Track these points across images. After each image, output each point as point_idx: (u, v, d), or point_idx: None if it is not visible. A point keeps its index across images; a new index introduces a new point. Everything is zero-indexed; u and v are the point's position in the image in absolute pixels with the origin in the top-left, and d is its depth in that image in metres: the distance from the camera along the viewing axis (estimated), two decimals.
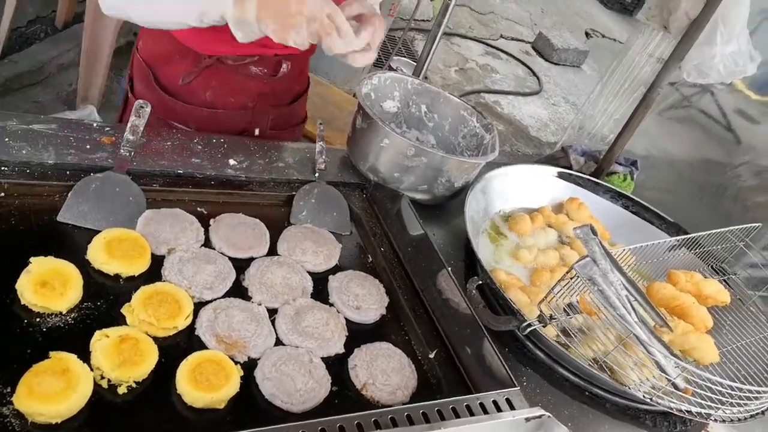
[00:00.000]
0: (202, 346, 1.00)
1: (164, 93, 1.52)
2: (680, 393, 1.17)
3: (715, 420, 1.18)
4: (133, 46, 1.61)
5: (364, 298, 1.21)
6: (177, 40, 1.44)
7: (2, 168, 1.10)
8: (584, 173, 1.90)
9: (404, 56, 5.02)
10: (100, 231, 1.08)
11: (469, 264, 1.46)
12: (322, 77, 3.36)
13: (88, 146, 1.21)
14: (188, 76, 1.50)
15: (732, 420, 1.19)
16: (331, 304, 1.19)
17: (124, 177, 1.18)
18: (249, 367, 1.00)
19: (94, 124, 1.28)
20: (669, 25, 1.81)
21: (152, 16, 1.29)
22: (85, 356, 0.89)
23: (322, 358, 1.07)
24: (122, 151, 1.20)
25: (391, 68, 4.41)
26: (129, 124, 1.22)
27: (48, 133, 1.20)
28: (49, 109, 3.12)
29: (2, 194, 1.08)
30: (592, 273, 1.15)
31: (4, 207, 1.07)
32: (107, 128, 1.28)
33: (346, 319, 1.17)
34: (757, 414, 1.24)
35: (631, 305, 1.22)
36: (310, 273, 1.24)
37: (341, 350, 1.10)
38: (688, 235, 1.60)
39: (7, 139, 1.14)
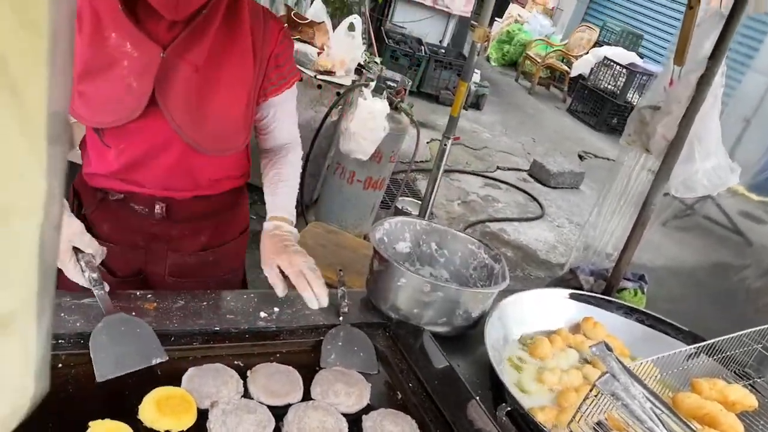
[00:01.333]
0: None
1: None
2: None
3: None
4: None
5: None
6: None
7: (60, 341, 1.21)
8: (595, 292, 1.99)
9: (408, 196, 5.30)
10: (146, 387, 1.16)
11: (496, 392, 1.51)
12: (333, 224, 3.57)
13: (132, 314, 1.32)
14: (89, 207, 1.56)
15: None
16: None
17: (119, 314, 1.28)
18: None
19: (138, 293, 1.40)
20: (650, 147, 1.98)
21: None
22: None
23: None
24: (97, 292, 1.28)
25: (397, 209, 4.65)
26: (86, 276, 1.30)
27: (98, 306, 1.31)
28: None
29: (60, 365, 1.18)
30: (613, 388, 1.20)
31: (61, 377, 1.16)
32: (149, 295, 1.41)
33: None
34: None
35: (659, 418, 1.25)
36: (343, 414, 1.29)
37: None
38: (704, 343, 1.65)
39: (62, 314, 1.26)
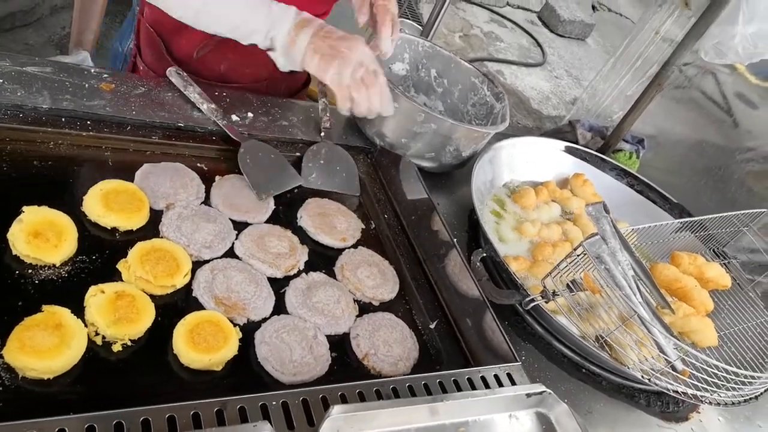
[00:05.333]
0: (199, 307, 0.97)
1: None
2: (678, 375, 1.16)
3: (710, 403, 1.17)
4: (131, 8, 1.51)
5: (376, 289, 1.17)
6: None
7: None
8: (590, 148, 1.87)
9: (409, 18, 4.90)
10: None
11: (473, 236, 1.44)
12: None
13: (85, 92, 1.16)
14: (203, 50, 1.44)
15: (726, 404, 1.19)
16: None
17: (252, 141, 1.26)
18: (248, 330, 0.97)
19: (92, 70, 1.22)
20: (689, 1, 1.75)
21: (197, 17, 1.20)
22: (78, 311, 0.85)
23: (327, 336, 1.04)
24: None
25: None
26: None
27: (43, 76, 1.14)
28: (41, 53, 3.01)
29: None
30: (600, 251, 1.13)
31: None
32: (105, 75, 1.22)
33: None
34: (750, 399, 1.24)
35: (637, 285, 1.20)
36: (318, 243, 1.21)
37: (348, 330, 1.07)
38: (694, 218, 1.58)
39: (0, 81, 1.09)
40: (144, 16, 1.48)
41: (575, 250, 1.17)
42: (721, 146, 2.56)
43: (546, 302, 1.20)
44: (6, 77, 1.10)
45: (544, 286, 1.22)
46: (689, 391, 1.15)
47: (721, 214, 1.61)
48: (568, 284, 1.22)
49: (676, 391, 1.14)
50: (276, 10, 1.16)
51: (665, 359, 1.16)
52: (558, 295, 1.19)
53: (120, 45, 1.57)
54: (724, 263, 1.65)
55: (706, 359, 1.09)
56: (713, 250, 1.69)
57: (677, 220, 1.60)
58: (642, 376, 1.14)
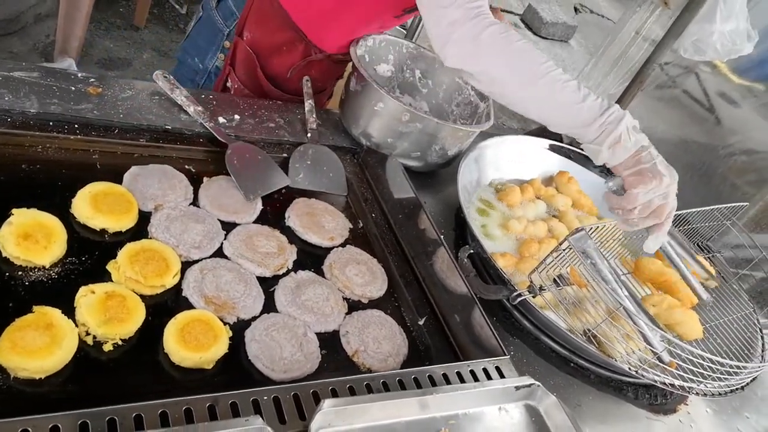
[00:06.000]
0: (189, 307, 0.97)
1: (268, 82, 1.56)
2: (665, 366, 1.18)
3: (697, 393, 1.19)
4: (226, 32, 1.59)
5: (365, 287, 1.18)
6: (290, 33, 1.49)
7: None
8: (575, 147, 1.89)
9: None
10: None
11: (460, 234, 1.45)
12: None
13: (72, 96, 1.16)
14: (295, 69, 1.54)
15: (713, 394, 1.21)
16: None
17: (239, 142, 1.28)
18: (238, 329, 0.98)
19: (79, 75, 1.22)
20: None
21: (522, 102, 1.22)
22: (69, 312, 0.86)
23: (317, 333, 1.05)
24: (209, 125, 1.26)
25: None
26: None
27: (30, 81, 1.14)
28: (26, 61, 3.00)
29: None
30: (586, 246, 1.15)
31: None
32: (92, 79, 1.23)
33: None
34: (736, 389, 1.26)
35: (620, 280, 1.22)
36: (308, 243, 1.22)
37: (337, 327, 1.08)
38: (678, 212, 1.60)
39: None
40: (244, 38, 1.54)
41: (561, 244, 1.19)
42: (704, 143, 2.60)
43: (533, 297, 1.21)
44: None
45: (531, 281, 1.23)
46: (676, 383, 1.17)
47: (702, 208, 1.64)
48: (554, 279, 1.23)
49: (664, 383, 1.16)
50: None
51: (652, 351, 1.18)
52: (545, 289, 1.21)
53: (200, 62, 1.64)
54: (708, 257, 1.68)
55: (692, 350, 1.11)
56: (697, 245, 1.71)
57: None
58: (629, 368, 1.16)
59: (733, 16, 1.81)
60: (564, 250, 1.19)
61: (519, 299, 1.21)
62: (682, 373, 1.16)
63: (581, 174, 1.79)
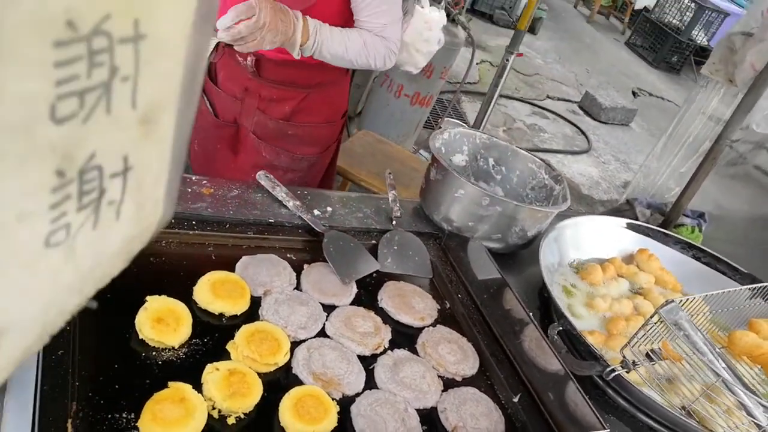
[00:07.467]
0: (299, 383, 1.04)
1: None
2: None
3: None
4: None
5: (457, 365, 1.22)
6: None
7: None
8: (651, 225, 1.91)
9: (453, 117, 5.16)
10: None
11: (545, 312, 1.48)
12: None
13: (189, 197, 1.31)
14: (212, 55, 1.76)
15: None
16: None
17: (334, 231, 1.39)
18: (343, 404, 1.04)
19: (194, 177, 1.38)
20: (734, 78, 1.84)
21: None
22: (196, 387, 0.94)
23: (417, 410, 1.08)
24: (309, 217, 1.40)
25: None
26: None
27: None
28: None
29: None
30: (678, 318, 1.16)
31: None
32: (205, 181, 1.38)
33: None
34: None
35: (717, 351, 1.21)
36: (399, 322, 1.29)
37: (435, 404, 1.12)
38: (765, 284, 1.58)
39: None
40: None
41: (651, 317, 1.20)
42: None
43: (627, 372, 1.21)
44: None
45: (624, 357, 1.24)
46: None
47: None
48: (647, 353, 1.24)
49: None
50: None
51: (757, 425, 1.15)
52: (638, 364, 1.21)
53: None
54: None
55: None
56: None
57: (746, 286, 1.60)
58: None
59: None
60: (655, 323, 1.20)
61: (613, 374, 1.21)
62: None
63: (661, 250, 1.80)
